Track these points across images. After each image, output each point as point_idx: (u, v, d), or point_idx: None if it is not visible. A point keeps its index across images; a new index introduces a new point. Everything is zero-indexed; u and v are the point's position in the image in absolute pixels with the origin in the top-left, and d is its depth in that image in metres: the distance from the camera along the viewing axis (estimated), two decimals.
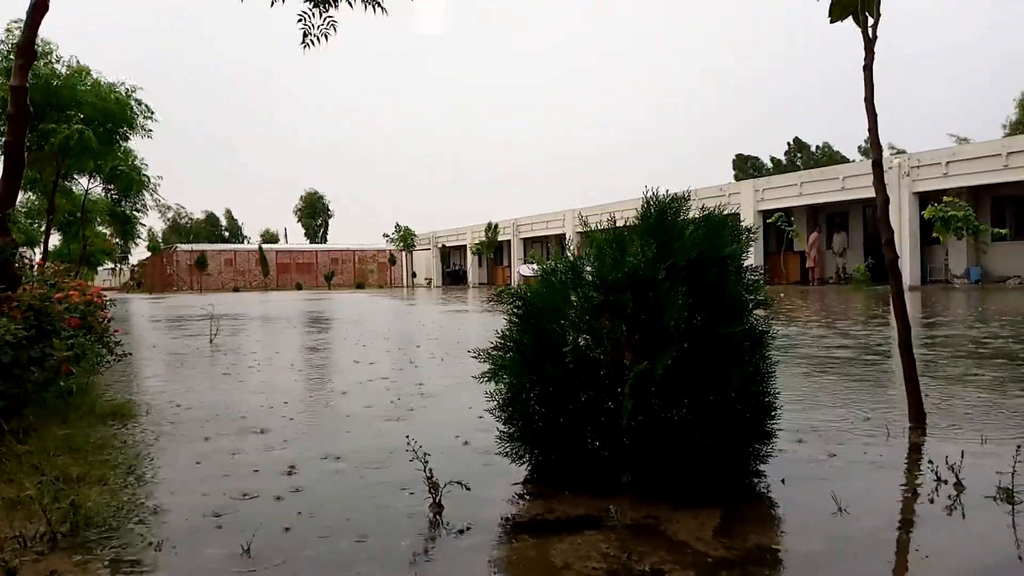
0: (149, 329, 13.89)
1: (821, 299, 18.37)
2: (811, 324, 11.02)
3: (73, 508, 2.45)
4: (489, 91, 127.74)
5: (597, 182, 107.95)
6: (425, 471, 2.71)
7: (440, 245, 54.10)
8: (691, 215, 3.13)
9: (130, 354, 6.54)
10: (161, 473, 3.34)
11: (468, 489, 2.72)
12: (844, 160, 55.58)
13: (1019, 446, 2.90)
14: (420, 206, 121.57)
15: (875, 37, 3.99)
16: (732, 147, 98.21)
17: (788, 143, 63.75)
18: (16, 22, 16.34)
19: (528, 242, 45.07)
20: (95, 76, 17.90)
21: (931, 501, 2.76)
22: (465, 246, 50.43)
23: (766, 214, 28.91)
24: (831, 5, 4.00)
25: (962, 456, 2.93)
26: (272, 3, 5.15)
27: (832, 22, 4.07)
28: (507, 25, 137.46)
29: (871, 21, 3.98)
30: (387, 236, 55.88)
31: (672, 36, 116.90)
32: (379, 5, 5.68)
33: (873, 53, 4.00)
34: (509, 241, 45.93)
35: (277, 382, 6.22)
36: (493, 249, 46.19)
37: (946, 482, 2.86)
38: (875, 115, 4.02)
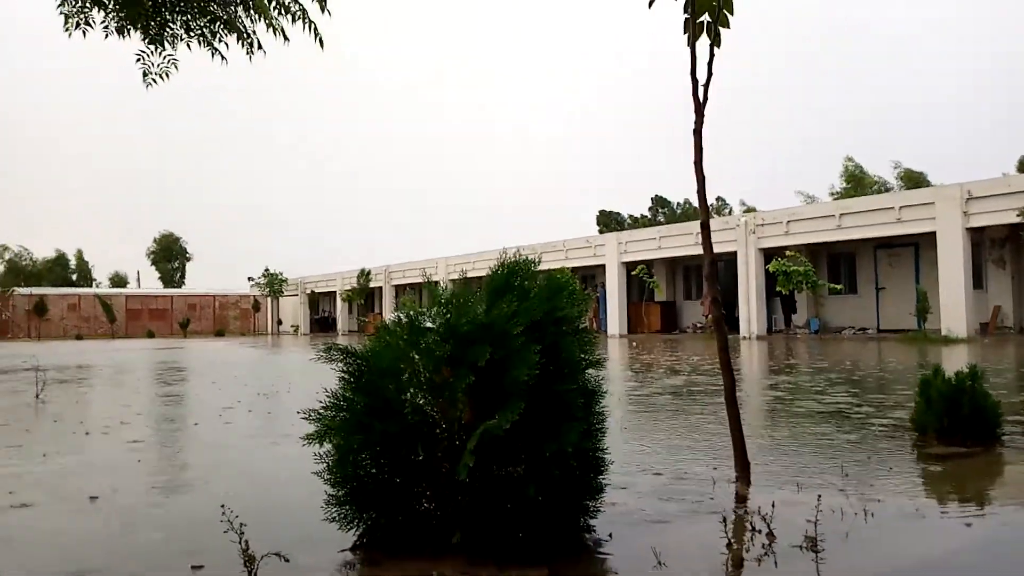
0: None
1: (674, 347, 19.24)
2: (659, 373, 11.49)
3: None
4: (356, 133, 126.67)
5: (480, 231, 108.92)
6: (240, 543, 2.56)
7: (309, 291, 52.59)
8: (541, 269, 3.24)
9: None
10: None
11: (287, 561, 2.59)
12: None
13: (819, 495, 3.10)
14: (287, 251, 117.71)
15: (705, 100, 4.13)
16: (597, 203, 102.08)
17: (652, 198, 67.24)
18: None
19: (400, 289, 44.66)
20: None
21: (747, 551, 2.89)
22: (335, 292, 49.29)
23: (630, 266, 30.16)
24: (685, 22, 3.95)
25: (773, 506, 3.10)
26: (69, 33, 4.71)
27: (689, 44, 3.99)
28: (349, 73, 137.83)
29: (702, 81, 4.12)
30: (252, 280, 53.68)
31: (540, 88, 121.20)
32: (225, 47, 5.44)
33: (703, 117, 4.14)
34: (381, 288, 45.35)
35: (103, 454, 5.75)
36: (364, 296, 45.41)
37: (760, 532, 3.01)
38: (703, 178, 4.18)
